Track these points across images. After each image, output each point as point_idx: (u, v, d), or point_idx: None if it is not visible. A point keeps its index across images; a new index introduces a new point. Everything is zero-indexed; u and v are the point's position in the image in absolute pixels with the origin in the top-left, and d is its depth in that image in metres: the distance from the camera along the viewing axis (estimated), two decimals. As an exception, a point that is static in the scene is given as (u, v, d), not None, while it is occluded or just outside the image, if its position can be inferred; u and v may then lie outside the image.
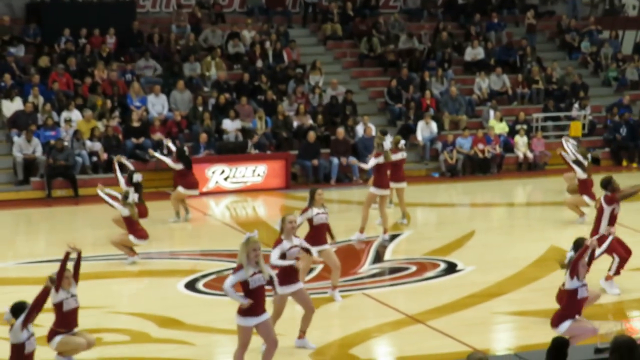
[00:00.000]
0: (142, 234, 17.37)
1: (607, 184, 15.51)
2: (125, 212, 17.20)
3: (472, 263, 17.01)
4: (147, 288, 16.33)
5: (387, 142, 19.02)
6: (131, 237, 17.21)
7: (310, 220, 14.48)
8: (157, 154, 22.57)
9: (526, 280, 15.98)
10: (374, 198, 19.08)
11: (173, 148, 22.01)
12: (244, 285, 10.89)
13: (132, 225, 17.24)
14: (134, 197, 17.89)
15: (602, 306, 14.38)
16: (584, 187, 20.26)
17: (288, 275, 12.25)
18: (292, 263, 12.22)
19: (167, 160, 21.53)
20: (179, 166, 21.10)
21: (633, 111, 30.21)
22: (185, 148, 22.35)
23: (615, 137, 29.05)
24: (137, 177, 19.69)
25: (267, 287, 11.14)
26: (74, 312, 11.90)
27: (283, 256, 12.29)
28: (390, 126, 27.63)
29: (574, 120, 29.39)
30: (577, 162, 20.61)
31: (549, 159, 28.03)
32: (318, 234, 14.44)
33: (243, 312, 10.95)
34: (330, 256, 14.66)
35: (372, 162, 18.92)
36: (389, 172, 19.14)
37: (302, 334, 12.75)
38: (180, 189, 20.91)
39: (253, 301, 10.84)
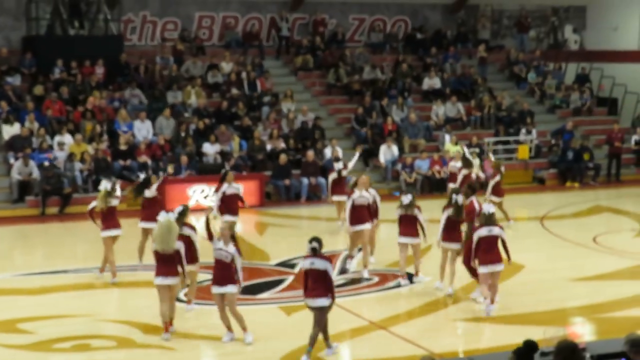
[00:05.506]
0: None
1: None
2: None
3: (430, 274, 17.01)
4: (133, 298, 16.22)
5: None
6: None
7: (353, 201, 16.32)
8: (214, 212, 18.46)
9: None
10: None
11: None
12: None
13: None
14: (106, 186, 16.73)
15: (547, 312, 14.44)
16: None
17: None
18: None
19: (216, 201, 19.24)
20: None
21: (575, 136, 30.40)
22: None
23: (564, 159, 29.16)
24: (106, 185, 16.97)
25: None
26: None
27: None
28: (354, 149, 27.58)
29: (521, 144, 29.60)
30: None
31: (499, 179, 28.06)
32: (359, 213, 16.34)
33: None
34: (364, 235, 16.31)
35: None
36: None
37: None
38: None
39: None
